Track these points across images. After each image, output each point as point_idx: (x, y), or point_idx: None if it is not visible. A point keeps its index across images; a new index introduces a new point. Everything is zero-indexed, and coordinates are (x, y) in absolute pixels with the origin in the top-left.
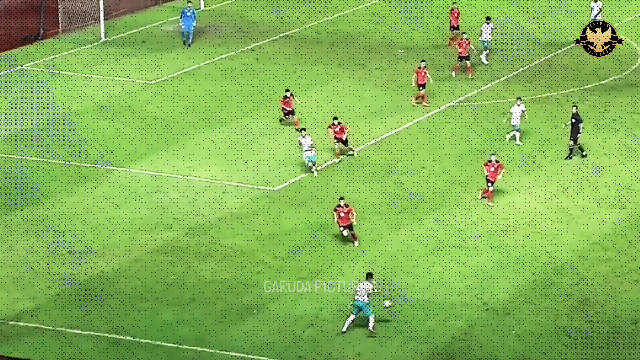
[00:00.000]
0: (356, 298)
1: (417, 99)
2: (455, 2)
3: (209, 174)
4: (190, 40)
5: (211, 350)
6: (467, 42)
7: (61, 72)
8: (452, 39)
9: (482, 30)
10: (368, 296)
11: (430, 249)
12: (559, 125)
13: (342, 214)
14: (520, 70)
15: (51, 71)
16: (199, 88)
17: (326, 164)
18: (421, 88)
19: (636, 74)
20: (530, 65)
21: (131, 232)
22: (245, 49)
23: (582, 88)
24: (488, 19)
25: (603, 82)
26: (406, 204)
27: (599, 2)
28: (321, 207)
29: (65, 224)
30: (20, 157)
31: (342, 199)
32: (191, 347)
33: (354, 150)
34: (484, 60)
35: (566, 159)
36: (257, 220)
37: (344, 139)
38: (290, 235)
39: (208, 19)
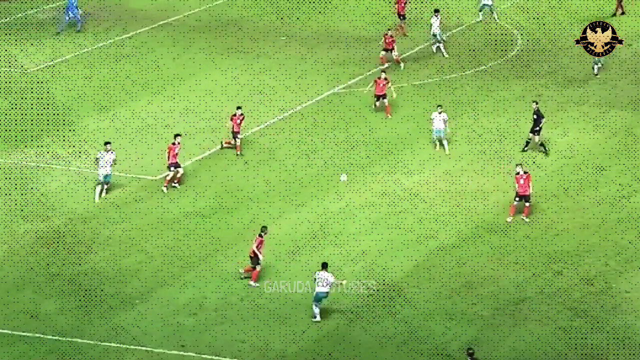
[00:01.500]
0: (317, 290)
1: (378, 109)
2: None
3: (90, 163)
4: (80, 27)
5: (91, 341)
6: (391, 38)
7: None
8: (399, 27)
9: (431, 23)
10: (329, 286)
11: (314, 234)
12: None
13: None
14: (402, 55)
15: None
16: (78, 76)
17: (210, 151)
18: (379, 99)
19: (514, 60)
20: (412, 51)
21: (9, 223)
22: (124, 36)
23: (461, 74)
24: (436, 11)
25: (482, 68)
26: (290, 188)
27: None
28: (203, 196)
29: None
30: None
31: (265, 227)
32: (72, 339)
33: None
34: (444, 52)
35: (522, 150)
36: (139, 209)
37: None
38: (173, 224)
39: (86, 6)
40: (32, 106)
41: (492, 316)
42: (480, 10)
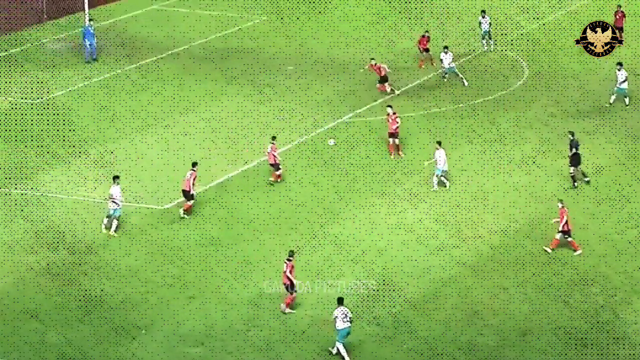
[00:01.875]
0: (339, 327)
1: (391, 148)
2: (427, 31)
3: (96, 193)
4: (95, 55)
5: None
6: (376, 66)
7: None
8: (428, 60)
9: (441, 59)
10: (350, 321)
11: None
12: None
13: (286, 268)
14: (408, 85)
15: None
16: (85, 106)
17: (218, 181)
18: (391, 136)
19: (522, 88)
20: (419, 81)
21: (16, 252)
22: (132, 66)
23: (469, 103)
24: (445, 47)
25: (490, 97)
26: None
27: (486, 17)
28: (211, 224)
29: None
30: None
31: (292, 252)
32: None
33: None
34: (445, 78)
35: (571, 188)
36: (146, 238)
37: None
38: (180, 253)
39: (100, 37)
40: (39, 136)
41: (498, 347)
42: (483, 39)
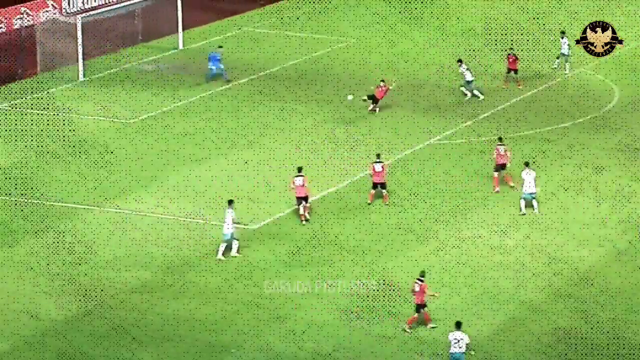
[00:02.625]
0: (451, 351)
1: (497, 180)
2: (512, 49)
3: (184, 213)
4: (226, 76)
5: None
6: (385, 89)
7: (39, 112)
8: (513, 82)
9: (462, 73)
10: (467, 347)
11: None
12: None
13: (418, 289)
14: (497, 108)
15: (29, 111)
16: (176, 127)
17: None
18: (499, 169)
19: (612, 112)
20: (508, 103)
21: (105, 271)
22: (223, 87)
23: (557, 126)
24: (459, 61)
25: (579, 121)
26: (383, 241)
27: (565, 39)
28: (297, 246)
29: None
30: None
31: (423, 272)
32: None
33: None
34: (477, 94)
35: None
36: (233, 258)
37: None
38: (267, 274)
39: (186, 58)
40: (124, 158)
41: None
42: (558, 58)
